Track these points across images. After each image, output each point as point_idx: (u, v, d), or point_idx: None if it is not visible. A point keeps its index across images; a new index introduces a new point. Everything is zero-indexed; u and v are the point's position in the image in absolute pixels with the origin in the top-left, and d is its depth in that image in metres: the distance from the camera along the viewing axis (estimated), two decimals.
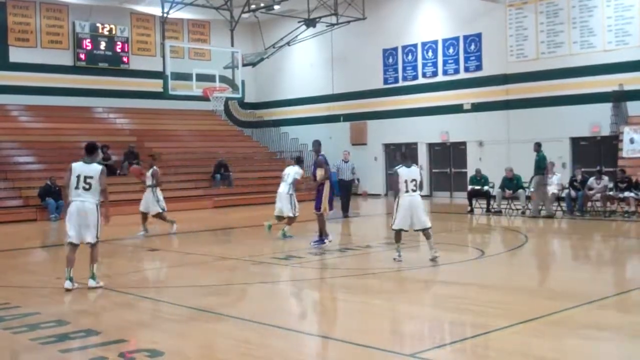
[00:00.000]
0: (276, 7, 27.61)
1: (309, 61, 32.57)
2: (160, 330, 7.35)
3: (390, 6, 29.26)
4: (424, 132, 28.46)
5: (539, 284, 10.20)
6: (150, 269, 11.64)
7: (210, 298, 8.99)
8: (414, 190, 11.27)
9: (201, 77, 26.05)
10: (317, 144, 14.36)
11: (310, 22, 27.77)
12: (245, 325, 7.41)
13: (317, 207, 13.51)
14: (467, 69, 27.16)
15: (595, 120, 23.54)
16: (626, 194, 18.34)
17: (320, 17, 27.60)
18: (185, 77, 25.65)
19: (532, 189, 19.41)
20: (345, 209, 20.30)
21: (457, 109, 27.33)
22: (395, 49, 29.41)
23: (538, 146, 19.44)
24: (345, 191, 20.68)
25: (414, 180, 11.31)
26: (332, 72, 31.70)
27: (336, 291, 9.33)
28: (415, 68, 28.82)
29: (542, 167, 19.15)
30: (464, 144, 27.50)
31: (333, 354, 6.57)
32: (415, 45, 28.78)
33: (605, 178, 19.25)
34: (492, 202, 20.73)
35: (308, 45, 31.17)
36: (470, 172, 24.18)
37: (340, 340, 6.87)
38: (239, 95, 27.52)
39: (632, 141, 22.15)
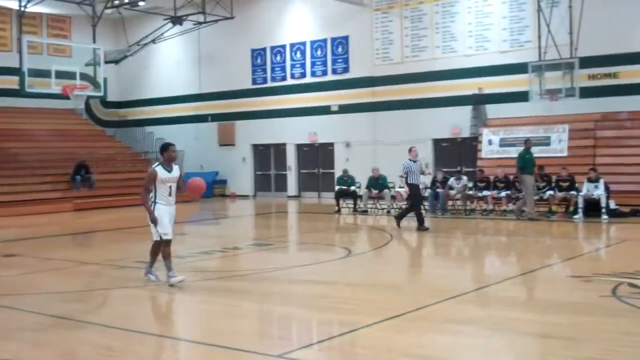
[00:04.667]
0: (141, 3, 26.94)
1: (175, 59, 31.99)
2: (17, 340, 6.91)
3: (259, 6, 29.20)
4: (293, 132, 28.58)
5: (403, 280, 10.41)
6: (6, 275, 10.98)
7: (71, 305, 8.58)
8: None
9: (61, 74, 25.08)
10: None
11: (176, 20, 27.29)
12: (107, 331, 7.11)
13: None
14: (334, 71, 27.53)
15: (456, 122, 24.47)
16: (485, 192, 19.15)
17: (187, 15, 27.18)
18: (44, 74, 24.70)
19: (524, 190, 17.71)
20: (421, 221, 16.01)
21: (325, 110, 27.65)
22: (264, 49, 29.39)
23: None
24: (418, 199, 16.67)
25: None
26: (200, 71, 31.27)
27: (203, 294, 9.14)
28: (283, 69, 28.90)
29: (534, 165, 17.81)
30: (331, 144, 27.85)
31: (200, 358, 6.41)
32: (283, 46, 28.86)
33: (465, 178, 20.04)
34: (358, 202, 21.09)
35: (174, 43, 30.66)
36: (338, 172, 24.51)
37: (208, 343, 6.70)
38: (101, 94, 26.72)
39: (490, 142, 23.20)
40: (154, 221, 9.29)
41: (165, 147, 9.59)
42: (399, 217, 16.30)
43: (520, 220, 17.35)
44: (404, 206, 17.45)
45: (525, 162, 17.42)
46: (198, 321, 8.06)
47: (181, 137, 31.61)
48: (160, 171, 9.35)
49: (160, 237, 9.40)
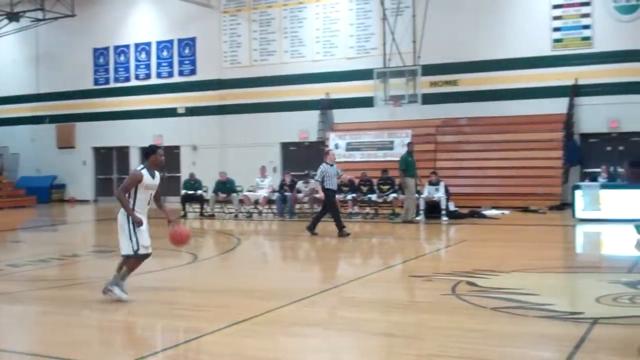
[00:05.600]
0: None
1: (10, 57, 30.28)
2: None
3: (102, 4, 28.23)
4: (137, 135, 27.80)
5: (251, 285, 10.29)
6: None
7: None
8: None
9: None
10: None
11: (12, 17, 25.92)
12: None
13: None
14: (181, 73, 27.10)
15: (304, 126, 24.75)
16: None
17: (24, 12, 25.87)
18: None
19: (404, 194, 17.93)
20: (341, 227, 15.25)
21: (171, 112, 27.14)
22: (107, 48, 28.47)
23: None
24: (334, 205, 15.65)
25: None
26: (37, 70, 29.78)
27: (42, 304, 8.62)
28: (127, 69, 28.11)
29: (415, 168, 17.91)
30: (178, 148, 27.34)
31: None
32: (128, 46, 28.08)
33: (312, 181, 20.23)
34: (205, 206, 20.81)
35: (10, 41, 29.04)
36: (184, 176, 24.11)
37: (48, 356, 6.32)
38: None
39: (337, 146, 23.63)
40: (140, 223, 8.33)
41: (154, 150, 8.51)
42: (312, 226, 15.34)
43: (412, 223, 17.52)
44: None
45: (408, 165, 17.76)
46: (38, 333, 7.59)
47: (16, 139, 30.08)
48: (146, 175, 8.31)
49: (135, 252, 8.32)
